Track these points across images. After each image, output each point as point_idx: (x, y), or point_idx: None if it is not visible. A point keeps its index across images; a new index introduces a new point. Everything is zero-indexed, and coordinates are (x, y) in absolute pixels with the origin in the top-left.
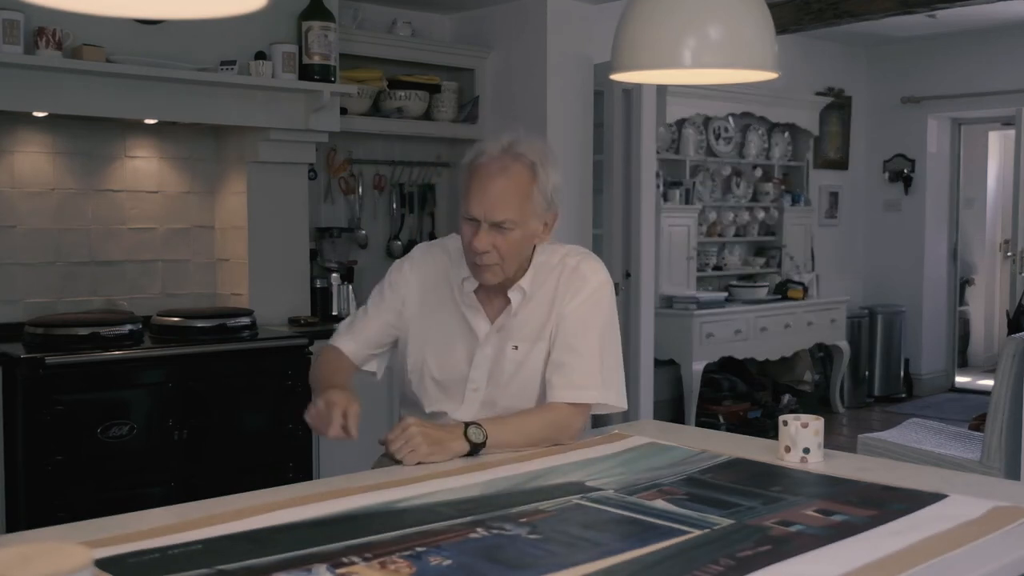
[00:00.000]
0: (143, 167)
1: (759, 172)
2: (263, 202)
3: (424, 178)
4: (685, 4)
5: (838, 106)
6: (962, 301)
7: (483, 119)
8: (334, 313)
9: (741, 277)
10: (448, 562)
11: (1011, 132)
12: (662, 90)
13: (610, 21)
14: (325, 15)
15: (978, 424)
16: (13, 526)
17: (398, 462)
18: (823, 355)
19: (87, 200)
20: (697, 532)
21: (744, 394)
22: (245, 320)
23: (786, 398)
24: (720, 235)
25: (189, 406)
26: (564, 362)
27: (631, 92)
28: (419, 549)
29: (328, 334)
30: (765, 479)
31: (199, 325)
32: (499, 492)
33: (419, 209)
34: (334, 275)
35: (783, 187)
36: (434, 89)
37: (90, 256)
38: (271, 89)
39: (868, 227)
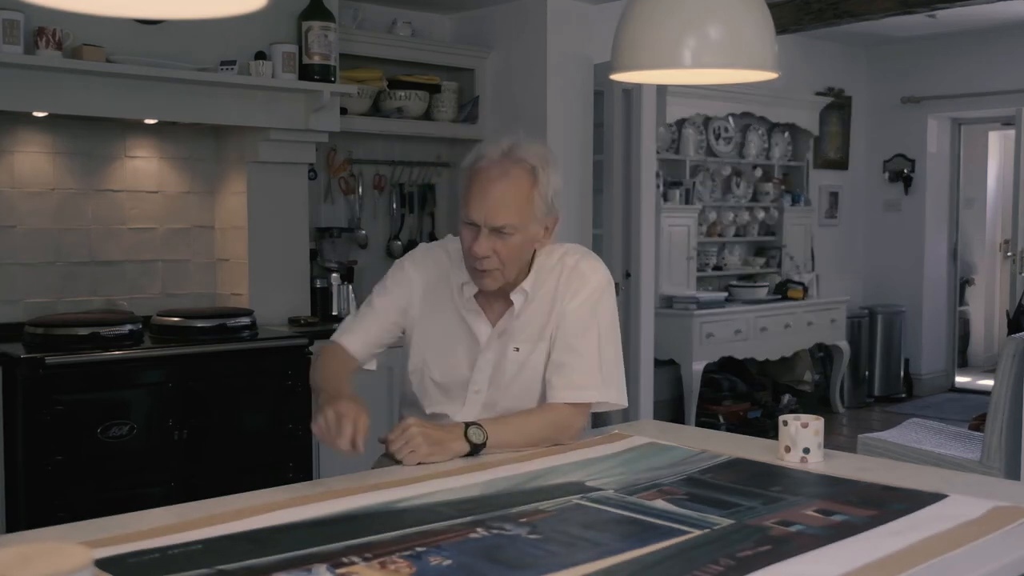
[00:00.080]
0: (143, 167)
1: (759, 172)
2: (263, 202)
3: (424, 178)
4: (685, 4)
5: (838, 106)
6: (962, 301)
7: (483, 119)
8: (334, 313)
9: (741, 277)
10: (448, 562)
11: (1011, 132)
12: (662, 90)
13: (610, 21)
14: (325, 15)
15: (978, 424)
16: (13, 526)
17: (398, 462)
18: (823, 355)
19: (87, 200)
20: (697, 532)
21: (744, 394)
22: (245, 320)
23: (786, 398)
24: (720, 235)
25: (189, 406)
26: (564, 362)
27: (631, 92)
28: (419, 549)
29: (328, 334)
30: (765, 479)
31: (199, 325)
32: (499, 492)
33: (419, 209)
34: (334, 275)
35: (783, 187)
36: (434, 89)
37: (90, 256)
38: (271, 89)
39: (868, 227)
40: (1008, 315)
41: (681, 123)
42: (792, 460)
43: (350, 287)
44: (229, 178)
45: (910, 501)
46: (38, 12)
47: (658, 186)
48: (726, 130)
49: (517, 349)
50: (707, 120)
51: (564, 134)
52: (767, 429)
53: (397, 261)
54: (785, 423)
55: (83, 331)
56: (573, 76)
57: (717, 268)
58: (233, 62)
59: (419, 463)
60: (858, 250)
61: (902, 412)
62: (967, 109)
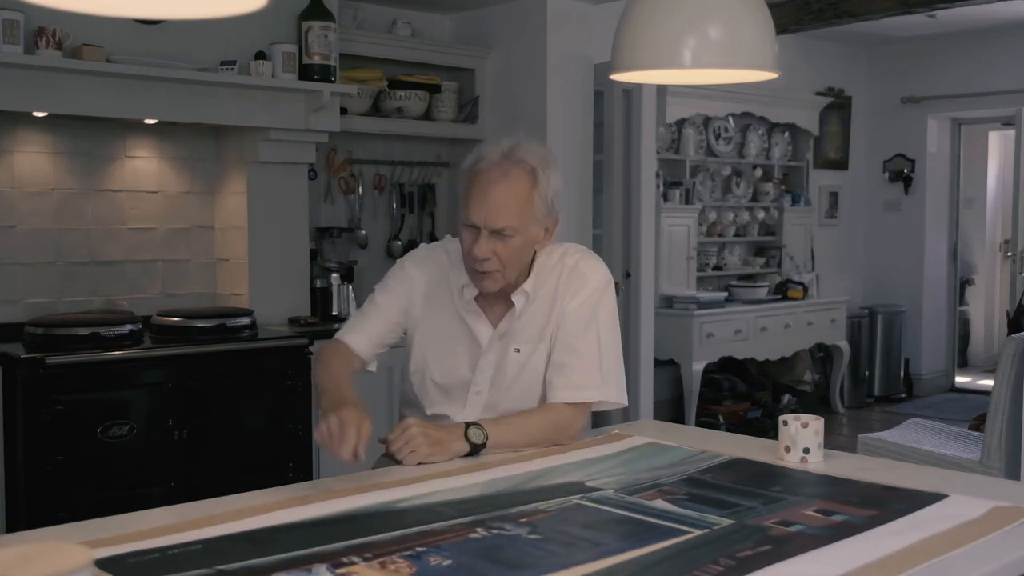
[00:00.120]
0: (143, 167)
1: (759, 172)
2: (263, 202)
3: (424, 178)
4: (685, 4)
5: (838, 106)
6: (962, 301)
7: (483, 119)
8: (334, 313)
9: (741, 277)
10: (448, 562)
11: (1011, 132)
12: (662, 90)
13: (610, 21)
14: (325, 15)
15: (978, 424)
16: (13, 526)
17: (398, 462)
18: (823, 355)
19: (87, 200)
20: (697, 532)
21: (744, 394)
22: (245, 320)
23: (786, 398)
24: (720, 235)
25: (189, 406)
26: (564, 363)
27: (631, 92)
28: (419, 549)
29: (328, 334)
30: (765, 479)
31: (199, 325)
32: (499, 492)
33: (419, 209)
34: (334, 275)
35: (783, 187)
36: (434, 89)
37: (90, 256)
38: (271, 89)
39: (868, 227)
40: (1008, 315)
41: (681, 123)
42: (792, 460)
43: (350, 287)
44: (229, 178)
45: (910, 501)
46: (38, 12)
47: (658, 186)
48: (726, 130)
49: (518, 350)
50: (707, 120)
51: (564, 134)
52: (767, 429)
53: (398, 261)
54: (785, 423)
55: (83, 331)
56: (573, 76)
57: (717, 268)
58: (233, 62)
59: (419, 463)
60: (858, 250)
61: (902, 412)
62: (967, 109)
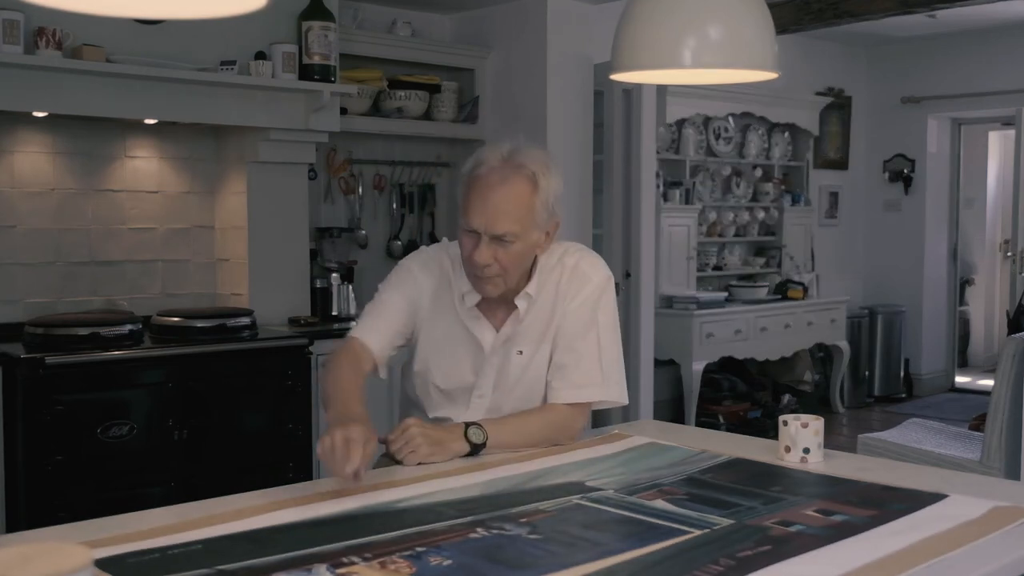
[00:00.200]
0: (143, 167)
1: (759, 172)
2: (263, 202)
3: (424, 178)
4: (685, 4)
5: (838, 106)
6: (962, 301)
7: (483, 119)
8: (334, 313)
9: (741, 277)
10: (448, 562)
11: (1011, 132)
12: (662, 90)
13: (610, 21)
14: (325, 15)
15: (978, 424)
16: (13, 526)
17: (398, 462)
18: (823, 355)
19: (87, 200)
20: (697, 532)
21: (744, 394)
22: (245, 320)
23: (786, 398)
24: (720, 235)
25: (189, 406)
26: (565, 363)
27: (631, 92)
28: (419, 549)
29: (328, 334)
30: (765, 479)
31: (199, 325)
32: (499, 492)
33: (419, 209)
34: (334, 275)
35: (783, 187)
36: (434, 89)
37: (90, 256)
38: (271, 89)
39: (868, 227)
40: (1008, 315)
41: (681, 123)
42: (792, 460)
43: (350, 287)
44: (229, 178)
45: (910, 501)
46: (38, 12)
47: (658, 186)
48: (726, 130)
49: (521, 352)
50: (707, 120)
51: (564, 134)
52: (767, 429)
53: (401, 262)
54: (785, 423)
55: (83, 331)
56: (573, 76)
57: (717, 268)
58: (233, 62)
59: (419, 463)
60: (858, 250)
61: (902, 412)
62: (967, 109)
